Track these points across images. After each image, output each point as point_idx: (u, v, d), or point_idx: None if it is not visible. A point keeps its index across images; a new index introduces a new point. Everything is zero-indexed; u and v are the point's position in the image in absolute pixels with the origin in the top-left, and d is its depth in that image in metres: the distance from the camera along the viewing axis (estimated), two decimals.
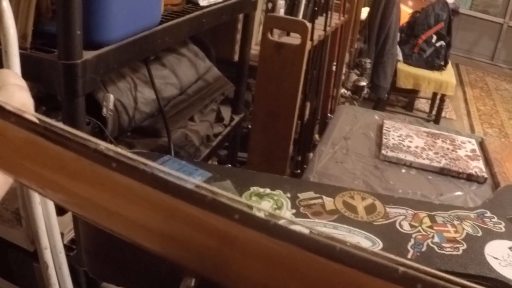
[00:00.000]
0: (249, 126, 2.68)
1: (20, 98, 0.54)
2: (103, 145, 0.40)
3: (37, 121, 0.42)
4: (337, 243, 0.32)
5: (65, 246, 1.65)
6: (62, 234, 1.63)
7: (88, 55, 1.36)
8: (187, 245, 0.37)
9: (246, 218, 0.34)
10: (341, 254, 0.32)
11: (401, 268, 0.31)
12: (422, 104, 5.92)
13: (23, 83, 0.56)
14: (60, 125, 0.41)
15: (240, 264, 0.36)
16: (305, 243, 0.33)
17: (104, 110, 1.71)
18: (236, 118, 2.66)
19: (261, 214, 0.36)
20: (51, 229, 1.56)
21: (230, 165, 2.79)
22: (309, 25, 2.12)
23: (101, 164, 0.38)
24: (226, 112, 2.59)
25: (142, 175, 0.37)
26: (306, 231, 0.34)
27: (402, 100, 5.81)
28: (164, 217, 0.37)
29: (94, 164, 0.39)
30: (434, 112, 5.45)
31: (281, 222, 0.35)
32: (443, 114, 5.38)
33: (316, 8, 2.50)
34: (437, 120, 5.23)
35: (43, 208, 1.51)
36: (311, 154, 2.75)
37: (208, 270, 0.38)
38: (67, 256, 1.65)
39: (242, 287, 0.37)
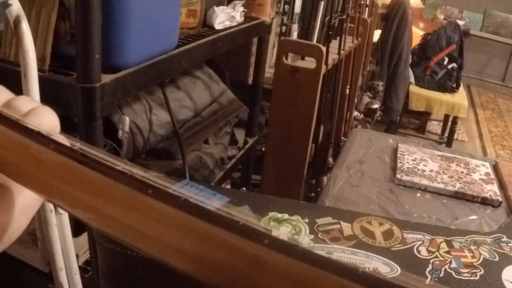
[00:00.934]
0: (263, 149, 2.68)
1: (50, 120, 0.55)
2: (139, 172, 0.41)
3: (73, 145, 0.44)
4: (360, 267, 0.33)
5: (80, 267, 1.65)
6: (77, 256, 1.64)
7: (107, 78, 1.37)
8: (219, 268, 0.38)
9: (275, 243, 0.35)
10: (363, 277, 0.33)
11: None
12: (434, 126, 5.91)
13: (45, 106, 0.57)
14: (96, 150, 0.42)
15: (269, 286, 0.36)
16: (330, 266, 0.34)
17: (120, 132, 1.72)
18: (250, 141, 2.66)
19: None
20: (66, 251, 1.56)
21: (244, 188, 2.79)
22: (323, 49, 2.13)
23: (137, 190, 0.40)
24: (240, 135, 2.60)
25: (177, 201, 0.38)
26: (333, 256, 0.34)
27: (414, 123, 5.80)
28: (198, 241, 0.38)
29: (130, 190, 0.40)
30: (446, 134, 5.44)
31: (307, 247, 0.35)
32: (455, 136, 5.37)
33: (330, 32, 2.51)
34: (449, 142, 5.22)
35: (59, 230, 1.52)
36: (325, 178, 2.75)
37: None
38: (82, 277, 1.65)
39: None
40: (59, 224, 1.51)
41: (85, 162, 0.42)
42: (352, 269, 0.33)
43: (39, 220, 1.54)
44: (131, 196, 0.40)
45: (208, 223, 0.37)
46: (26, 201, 0.53)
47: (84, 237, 1.71)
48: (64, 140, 0.46)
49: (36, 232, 1.63)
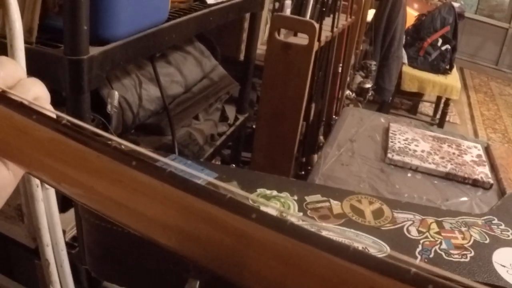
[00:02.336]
0: (254, 126, 2.67)
1: (36, 92, 0.53)
2: (123, 143, 0.40)
3: (57, 117, 0.42)
4: (351, 245, 0.33)
5: (67, 243, 1.64)
6: (64, 232, 1.63)
7: (95, 51, 1.35)
8: (204, 243, 0.38)
9: (263, 218, 0.34)
10: (354, 255, 0.32)
11: (413, 269, 0.31)
12: (426, 107, 5.91)
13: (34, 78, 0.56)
14: (81, 123, 0.41)
15: (256, 262, 0.36)
16: (320, 243, 0.33)
17: (109, 107, 1.71)
18: (241, 118, 2.65)
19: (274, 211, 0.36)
20: (53, 226, 1.55)
21: (234, 165, 2.78)
22: (317, 25, 2.11)
23: (121, 162, 0.39)
24: (230, 111, 2.59)
25: (162, 174, 0.37)
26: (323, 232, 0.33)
27: (406, 103, 5.80)
28: (182, 215, 0.37)
29: (114, 162, 0.39)
30: (438, 116, 5.44)
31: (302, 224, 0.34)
32: (447, 118, 5.37)
33: (323, 9, 2.49)
34: (441, 124, 5.22)
35: (45, 205, 1.50)
36: (315, 156, 2.74)
37: (224, 268, 0.38)
38: (69, 253, 1.65)
39: (257, 285, 0.37)
40: (45, 199, 1.50)
41: (68, 133, 0.41)
42: (344, 247, 0.32)
43: (25, 195, 1.52)
44: (114, 169, 0.39)
45: (193, 197, 0.36)
46: (0, 183, 0.52)
47: (71, 212, 1.70)
48: (51, 112, 0.45)
49: (22, 207, 1.61)
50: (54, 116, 0.43)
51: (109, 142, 0.39)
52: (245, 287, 0.37)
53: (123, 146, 0.40)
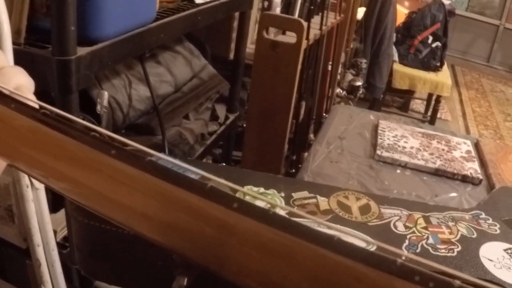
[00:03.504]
0: (244, 125, 2.67)
1: (19, 81, 0.53)
2: (103, 132, 0.40)
3: (37, 106, 0.42)
4: (335, 235, 0.32)
5: (58, 243, 1.65)
6: (55, 232, 1.63)
7: (82, 51, 1.35)
8: (186, 234, 0.37)
9: (245, 207, 0.34)
10: (339, 245, 0.32)
11: (399, 260, 0.31)
12: (418, 105, 5.91)
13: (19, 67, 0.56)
14: (60, 112, 0.41)
15: (238, 252, 0.36)
16: (304, 233, 0.33)
17: (98, 107, 1.71)
18: (231, 117, 2.66)
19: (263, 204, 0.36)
20: (44, 227, 1.55)
21: (224, 164, 2.78)
22: (305, 23, 2.11)
23: (100, 151, 0.38)
24: (221, 110, 2.59)
25: (141, 162, 0.37)
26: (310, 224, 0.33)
27: (398, 101, 5.80)
28: (163, 204, 0.37)
29: (93, 151, 0.39)
30: (429, 113, 5.45)
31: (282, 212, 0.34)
32: (438, 115, 5.38)
33: (312, 7, 2.49)
34: (432, 121, 5.23)
35: (36, 205, 1.50)
36: (305, 154, 2.74)
37: (206, 259, 0.37)
38: (60, 253, 1.65)
39: (240, 276, 0.37)
40: (36, 199, 1.50)
41: (47, 122, 0.41)
42: (328, 237, 0.32)
43: (16, 196, 1.53)
44: (93, 157, 0.39)
45: (173, 186, 0.36)
46: None
47: (62, 213, 1.70)
48: (32, 101, 0.45)
49: (13, 208, 1.61)
50: (36, 105, 0.43)
51: (87, 131, 0.39)
52: (228, 278, 0.37)
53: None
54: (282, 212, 0.94)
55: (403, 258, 0.31)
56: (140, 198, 0.38)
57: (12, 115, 0.42)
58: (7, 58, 0.56)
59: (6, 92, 0.44)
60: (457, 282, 0.31)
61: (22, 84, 0.53)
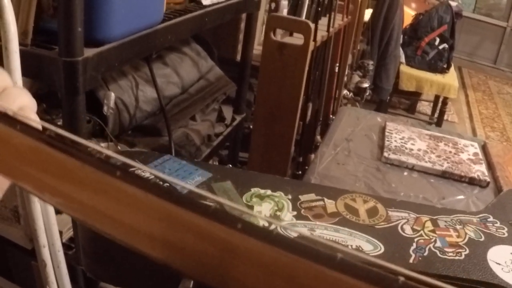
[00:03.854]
0: (251, 126, 2.67)
1: (22, 102, 0.53)
2: (107, 153, 0.40)
3: (40, 127, 0.42)
4: (338, 253, 0.32)
5: (63, 244, 1.64)
6: (61, 233, 1.63)
7: (89, 52, 1.35)
8: (189, 254, 0.37)
9: (249, 228, 0.34)
10: (341, 264, 0.32)
11: (401, 279, 0.30)
12: (424, 106, 5.91)
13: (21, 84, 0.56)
14: (65, 132, 0.41)
15: (241, 273, 0.35)
16: (307, 253, 0.33)
17: (105, 108, 1.71)
18: (238, 118, 2.65)
19: (262, 220, 0.36)
20: (49, 227, 1.55)
21: (230, 165, 2.78)
22: (312, 25, 2.11)
23: (105, 172, 0.38)
24: (227, 112, 2.59)
25: (146, 184, 0.37)
26: (307, 235, 0.33)
27: (404, 103, 5.80)
28: (167, 225, 0.37)
29: (97, 172, 0.39)
30: (436, 115, 5.44)
31: (284, 227, 0.34)
32: (445, 117, 5.37)
33: (319, 9, 2.49)
34: (439, 123, 5.22)
35: (42, 206, 1.50)
36: (312, 155, 2.74)
37: (209, 278, 0.37)
38: (66, 254, 1.64)
39: None
40: (41, 201, 1.50)
41: (52, 143, 0.41)
42: (330, 256, 0.32)
43: (22, 197, 1.53)
44: (98, 179, 0.39)
45: (178, 207, 0.36)
46: None
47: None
48: (36, 122, 0.45)
49: (19, 209, 1.62)
50: (39, 126, 0.43)
51: (92, 152, 0.40)
52: None
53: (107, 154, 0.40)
54: (289, 215, 0.94)
55: (406, 276, 0.31)
56: (145, 218, 0.38)
57: (17, 136, 0.42)
58: (10, 78, 0.56)
59: (11, 114, 0.44)
60: None
61: (25, 105, 0.54)
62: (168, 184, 0.41)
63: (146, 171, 0.40)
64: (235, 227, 0.34)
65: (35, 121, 0.44)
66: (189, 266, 0.38)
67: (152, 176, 0.40)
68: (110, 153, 0.40)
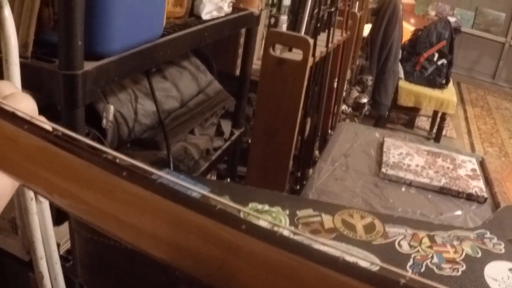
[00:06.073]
0: (249, 141, 2.67)
1: (28, 105, 0.54)
2: (113, 154, 0.40)
3: (49, 128, 0.43)
4: (340, 256, 0.33)
5: (61, 256, 1.64)
6: (58, 245, 1.63)
7: (89, 66, 1.36)
8: (194, 254, 0.37)
9: (253, 229, 0.34)
10: (344, 266, 0.32)
11: (403, 281, 0.31)
12: (423, 122, 5.92)
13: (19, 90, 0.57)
14: (72, 133, 0.41)
15: (245, 274, 0.36)
16: (310, 254, 0.33)
17: (104, 121, 1.71)
18: (236, 133, 2.66)
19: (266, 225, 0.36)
20: (47, 239, 1.55)
21: (229, 180, 2.78)
22: (311, 41, 2.12)
23: (111, 173, 0.39)
24: (226, 126, 2.59)
25: (152, 184, 0.37)
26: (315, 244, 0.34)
27: (403, 118, 5.81)
28: (172, 226, 0.37)
29: (104, 172, 0.39)
30: (434, 130, 5.45)
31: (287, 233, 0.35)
32: (443, 133, 5.39)
33: (318, 25, 2.50)
34: (437, 138, 5.23)
35: (39, 218, 1.50)
36: (310, 170, 2.74)
37: (214, 279, 0.38)
38: (63, 266, 1.64)
39: None
40: (40, 212, 1.50)
41: (59, 143, 0.41)
42: (333, 258, 0.33)
43: (19, 208, 1.53)
44: (105, 179, 0.39)
45: (183, 208, 0.36)
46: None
47: (66, 226, 1.70)
48: (43, 122, 0.45)
49: (16, 220, 1.61)
50: (47, 126, 0.44)
51: (99, 153, 0.40)
52: None
53: (117, 160, 0.41)
54: (286, 231, 0.94)
55: (407, 278, 0.31)
56: (151, 219, 0.38)
57: (25, 135, 0.42)
58: (16, 86, 0.58)
59: (19, 114, 0.44)
60: None
61: (32, 108, 0.55)
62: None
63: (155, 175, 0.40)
64: (240, 228, 0.35)
65: (43, 121, 0.44)
66: (194, 267, 0.38)
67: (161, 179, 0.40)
68: (119, 155, 0.41)
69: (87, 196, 0.41)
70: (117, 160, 0.40)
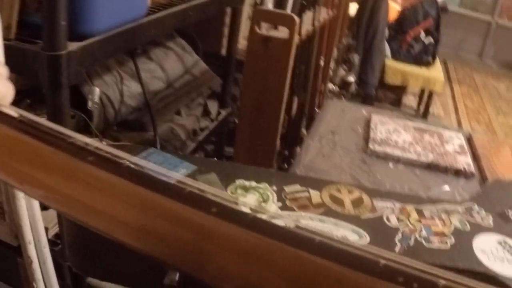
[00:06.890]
0: (236, 121, 2.67)
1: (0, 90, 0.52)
2: (80, 139, 0.39)
3: (14, 114, 0.42)
4: (316, 236, 0.32)
5: (49, 240, 1.64)
6: (46, 229, 1.62)
7: (73, 46, 1.35)
8: (165, 239, 0.37)
9: (224, 212, 0.34)
10: (320, 247, 0.31)
11: (382, 261, 0.30)
12: (410, 100, 5.92)
13: (2, 70, 0.55)
14: (37, 118, 0.41)
15: (217, 257, 0.35)
16: (284, 237, 0.32)
17: (89, 103, 1.70)
18: (223, 113, 2.65)
19: (246, 209, 0.35)
20: (35, 224, 1.54)
21: (215, 159, 2.78)
22: (297, 19, 2.11)
23: (77, 158, 0.38)
24: (213, 106, 2.59)
25: (118, 168, 0.37)
26: (287, 224, 0.33)
27: (390, 97, 5.81)
28: (141, 210, 0.37)
29: (70, 158, 0.38)
30: (422, 109, 5.46)
31: (265, 216, 0.34)
32: (430, 111, 5.39)
33: (304, 2, 2.49)
34: (424, 116, 5.24)
35: (26, 202, 1.50)
36: (298, 149, 2.74)
37: (187, 264, 0.37)
38: (52, 251, 1.64)
39: (221, 281, 0.36)
40: (27, 196, 1.49)
41: (24, 129, 0.40)
42: (308, 239, 0.32)
43: (6, 193, 1.52)
44: (71, 164, 0.39)
45: (151, 191, 0.36)
46: None
47: (53, 210, 1.69)
48: (10, 110, 0.44)
49: (3, 205, 1.61)
50: (15, 114, 0.43)
51: (64, 137, 0.39)
52: (208, 282, 0.37)
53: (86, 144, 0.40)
54: (274, 206, 0.93)
55: (386, 258, 0.31)
56: (119, 204, 0.38)
57: None
58: None
59: None
60: (442, 282, 0.30)
61: (3, 94, 0.52)
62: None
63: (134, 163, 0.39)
64: (210, 211, 0.34)
65: (10, 108, 0.43)
66: (166, 253, 0.37)
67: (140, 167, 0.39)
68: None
69: (54, 183, 0.41)
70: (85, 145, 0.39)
